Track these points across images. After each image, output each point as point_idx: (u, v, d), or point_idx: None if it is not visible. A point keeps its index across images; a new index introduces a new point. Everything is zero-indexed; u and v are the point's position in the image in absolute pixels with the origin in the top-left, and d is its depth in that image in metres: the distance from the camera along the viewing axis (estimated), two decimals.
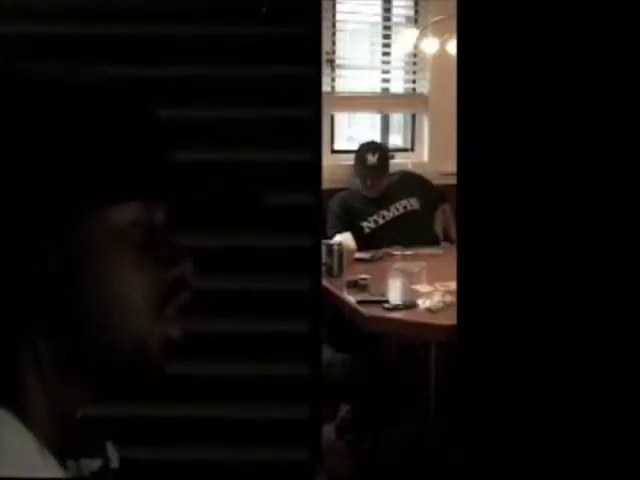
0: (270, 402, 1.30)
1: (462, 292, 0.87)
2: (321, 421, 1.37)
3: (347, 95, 3.83)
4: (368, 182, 3.32)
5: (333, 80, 3.77)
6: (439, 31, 3.51)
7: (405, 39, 3.66)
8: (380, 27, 3.97)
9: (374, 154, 3.34)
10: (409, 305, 2.38)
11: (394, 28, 3.95)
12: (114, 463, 0.69)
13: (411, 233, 3.28)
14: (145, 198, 0.58)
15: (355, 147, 3.49)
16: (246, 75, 1.29)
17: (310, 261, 1.33)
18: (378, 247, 3.18)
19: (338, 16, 3.72)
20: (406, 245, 3.19)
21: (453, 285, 2.29)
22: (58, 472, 0.55)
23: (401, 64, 4.06)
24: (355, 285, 2.59)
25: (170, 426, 1.29)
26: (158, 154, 0.61)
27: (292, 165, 1.30)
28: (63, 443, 0.59)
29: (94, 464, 0.66)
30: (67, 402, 0.59)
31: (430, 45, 3.57)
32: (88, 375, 0.59)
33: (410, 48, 3.71)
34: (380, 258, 3.10)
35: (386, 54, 3.96)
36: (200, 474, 1.30)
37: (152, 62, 1.27)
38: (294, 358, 1.31)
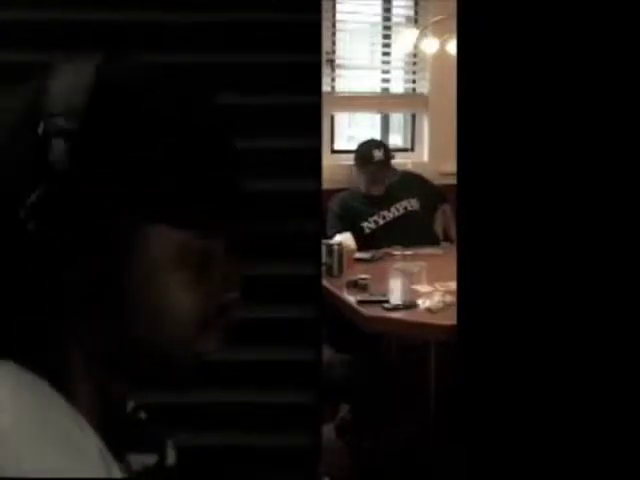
0: (278, 387, 1.30)
1: (462, 292, 0.87)
2: (322, 407, 1.37)
3: (347, 95, 3.82)
4: (376, 178, 3.31)
5: (333, 80, 3.77)
6: (439, 31, 3.51)
7: (405, 39, 3.66)
8: (380, 27, 3.96)
9: (379, 149, 3.34)
10: (409, 305, 2.38)
11: (394, 28, 3.95)
12: (171, 460, 0.69)
13: (411, 233, 3.28)
14: (207, 225, 0.59)
15: (355, 147, 3.48)
16: (250, 63, 1.29)
17: (313, 248, 1.34)
18: (378, 247, 3.18)
19: (338, 16, 3.72)
20: (406, 245, 3.18)
21: (453, 285, 2.29)
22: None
23: (401, 64, 4.06)
24: (355, 285, 2.59)
25: (180, 413, 1.29)
26: (231, 183, 0.62)
27: (294, 152, 1.30)
28: (115, 436, 0.60)
29: (149, 459, 0.66)
30: (114, 394, 0.61)
31: (430, 45, 3.57)
32: (128, 370, 0.61)
33: (410, 48, 3.71)
34: (380, 258, 3.10)
35: (386, 54, 3.96)
36: (212, 459, 1.30)
37: (152, 50, 1.25)
38: (301, 343, 1.31)
